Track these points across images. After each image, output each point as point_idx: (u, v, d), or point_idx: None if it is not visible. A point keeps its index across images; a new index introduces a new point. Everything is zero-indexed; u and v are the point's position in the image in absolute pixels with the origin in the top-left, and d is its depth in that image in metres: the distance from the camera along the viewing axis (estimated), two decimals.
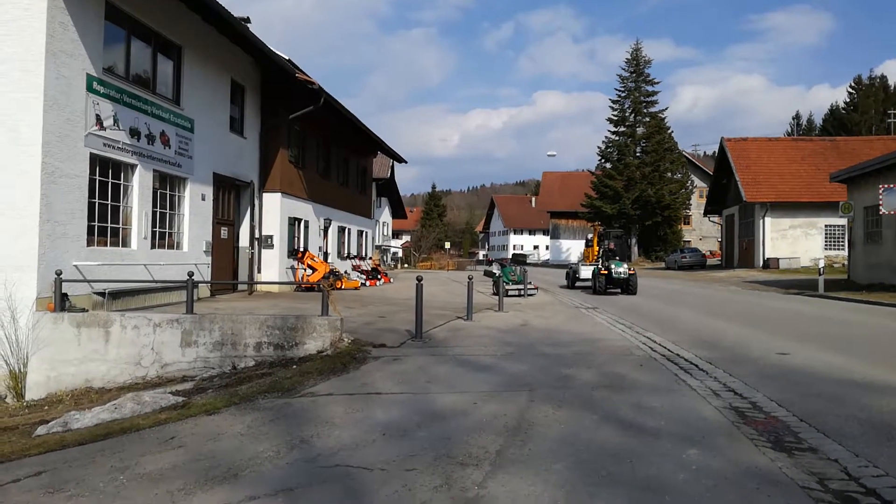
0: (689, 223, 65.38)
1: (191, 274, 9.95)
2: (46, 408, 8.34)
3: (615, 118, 57.48)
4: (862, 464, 4.04)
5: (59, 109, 10.40)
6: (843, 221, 27.21)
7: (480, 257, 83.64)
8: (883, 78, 70.14)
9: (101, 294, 11.36)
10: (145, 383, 8.77)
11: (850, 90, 70.81)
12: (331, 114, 20.61)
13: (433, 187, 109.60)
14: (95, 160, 11.42)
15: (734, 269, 38.89)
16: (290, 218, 19.58)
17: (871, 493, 3.58)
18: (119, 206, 12.30)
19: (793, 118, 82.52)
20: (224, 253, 16.88)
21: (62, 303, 9.67)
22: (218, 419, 5.61)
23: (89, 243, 11.26)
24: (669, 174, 55.25)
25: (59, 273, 9.63)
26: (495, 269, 22.82)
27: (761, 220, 36.75)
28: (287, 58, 17.67)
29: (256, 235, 18.25)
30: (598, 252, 22.93)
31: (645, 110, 56.91)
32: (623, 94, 57.43)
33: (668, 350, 8.67)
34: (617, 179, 55.06)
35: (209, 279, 15.47)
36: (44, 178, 10.06)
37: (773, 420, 5.10)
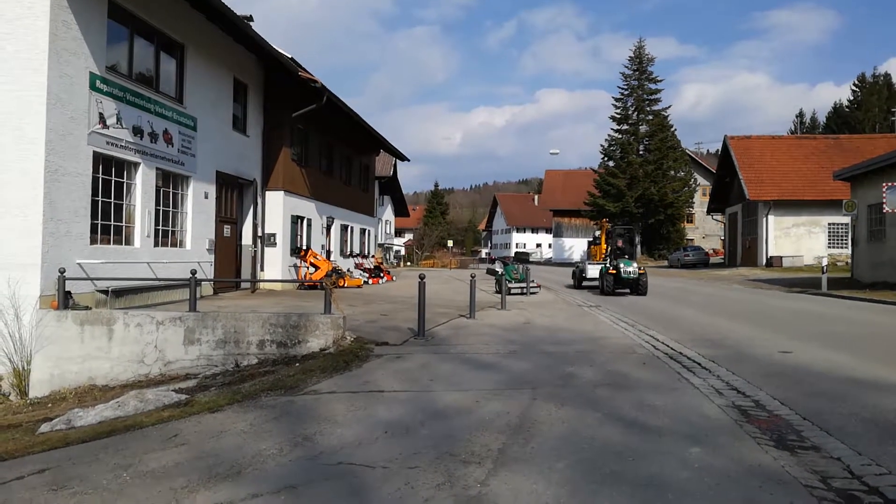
0: (692, 221, 65.27)
1: (194, 272, 9.96)
2: (50, 405, 8.36)
3: (618, 116, 57.44)
4: (865, 462, 4.03)
5: (63, 108, 10.42)
6: (847, 220, 27.19)
7: (483, 255, 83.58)
8: (887, 76, 69.96)
9: (105, 292, 11.38)
10: (148, 381, 8.78)
11: (854, 88, 70.67)
12: (334, 112, 20.61)
13: (436, 185, 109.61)
14: (98, 158, 11.44)
15: (737, 267, 38.82)
16: (292, 216, 19.60)
17: (873, 491, 3.58)
18: (122, 205, 12.32)
19: (796, 116, 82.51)
20: (227, 251, 16.91)
21: (66, 301, 9.69)
22: (221, 417, 5.62)
23: (93, 241, 11.28)
24: (672, 172, 55.19)
25: (62, 271, 9.65)
26: (498, 268, 22.68)
27: (764, 219, 36.68)
28: (290, 56, 17.69)
29: (259, 233, 18.27)
30: (606, 250, 21.84)
31: (648, 108, 56.87)
32: (626, 92, 57.40)
33: (671, 348, 8.67)
34: (620, 177, 55.01)
35: (212, 277, 15.50)
36: (47, 177, 10.08)
37: (776, 418, 5.09)
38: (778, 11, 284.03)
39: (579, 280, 23.22)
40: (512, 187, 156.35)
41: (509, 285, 17.85)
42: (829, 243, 36.20)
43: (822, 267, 21.16)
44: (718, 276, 32.08)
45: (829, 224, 36.03)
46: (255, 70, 18.04)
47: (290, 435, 4.88)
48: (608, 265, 19.64)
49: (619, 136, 57.19)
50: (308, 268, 19.08)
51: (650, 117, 56.37)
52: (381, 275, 25.64)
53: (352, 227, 26.79)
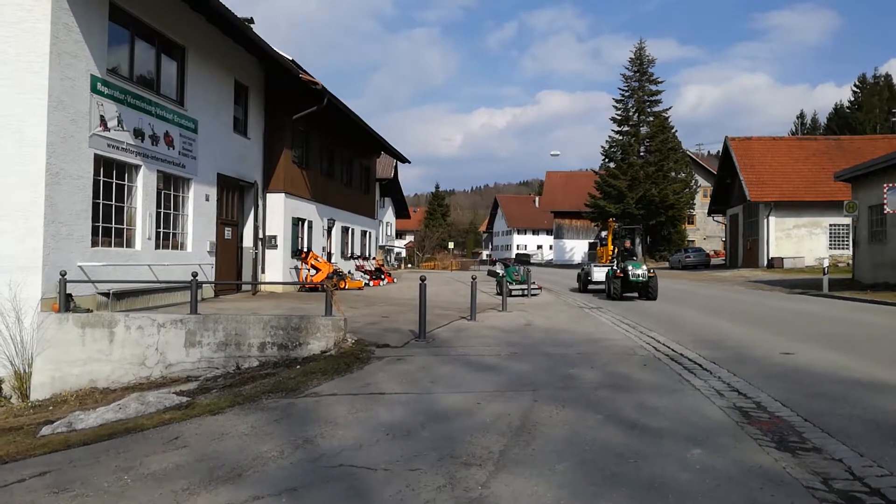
0: (692, 223, 65.26)
1: (195, 274, 9.97)
2: (51, 408, 8.37)
3: (619, 118, 57.43)
4: (866, 464, 4.03)
5: (64, 110, 10.43)
6: (848, 221, 27.17)
7: (484, 257, 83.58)
8: (888, 77, 69.91)
9: (106, 294, 11.39)
10: (149, 383, 8.78)
11: (855, 89, 70.67)
12: (334, 114, 20.64)
13: (437, 187, 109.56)
14: (100, 161, 11.46)
15: (738, 268, 38.81)
16: (293, 218, 19.61)
17: (875, 492, 3.58)
18: (123, 207, 12.34)
19: (797, 117, 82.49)
20: (228, 253, 16.92)
21: (67, 303, 9.69)
22: (222, 419, 5.62)
23: (94, 244, 11.29)
24: (673, 174, 55.14)
25: (63, 274, 9.66)
26: (499, 269, 22.60)
27: (765, 220, 36.67)
28: (291, 58, 17.70)
29: (260, 236, 18.28)
30: (613, 251, 20.41)
31: (649, 110, 56.85)
32: (627, 94, 57.36)
33: (672, 350, 8.66)
34: (621, 179, 54.99)
35: (213, 280, 15.51)
36: (48, 180, 10.10)
37: (778, 420, 5.09)
38: (778, 12, 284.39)
39: (584, 283, 22.18)
40: (513, 189, 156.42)
41: (510, 287, 17.85)
42: (831, 244, 36.19)
43: (824, 268, 21.15)
44: (719, 278, 32.06)
45: (831, 225, 36.02)
46: (256, 72, 18.06)
47: (291, 437, 4.88)
48: (615, 268, 18.38)
49: (620, 138, 57.17)
50: (309, 270, 19.09)
51: (651, 119, 56.34)
52: (382, 277, 25.65)
53: (353, 229, 26.80)
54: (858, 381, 6.53)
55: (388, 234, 52.61)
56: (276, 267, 18.55)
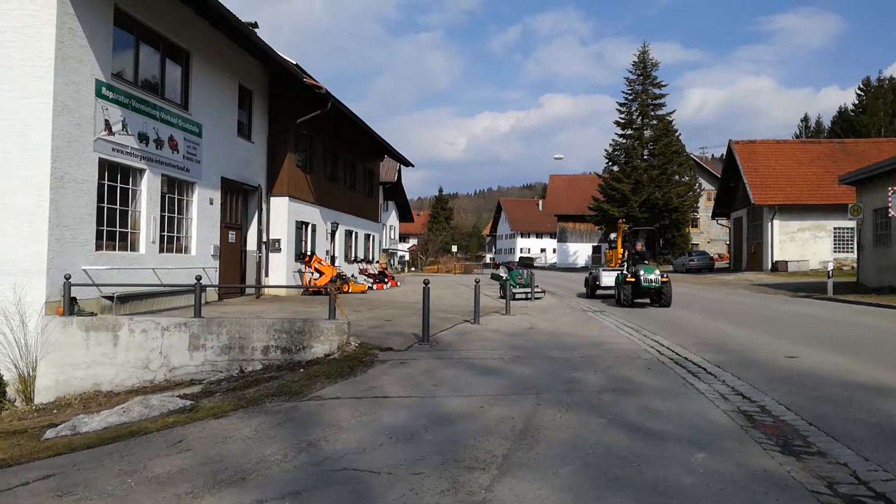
0: (696, 226, 65.18)
1: (199, 278, 9.99)
2: (55, 411, 8.39)
3: (622, 121, 57.44)
4: (871, 468, 4.01)
5: (69, 114, 10.47)
6: (853, 224, 27.08)
7: (487, 261, 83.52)
8: (892, 80, 69.67)
9: (110, 298, 11.42)
10: (153, 387, 8.80)
11: (859, 92, 70.50)
12: (338, 118, 20.68)
13: (440, 190, 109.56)
14: (104, 165, 11.49)
15: (742, 272, 38.72)
16: (297, 222, 19.64)
17: (880, 497, 3.56)
18: (127, 211, 12.37)
19: (801, 120, 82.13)
20: (232, 257, 16.94)
21: (71, 307, 9.72)
22: (225, 423, 5.63)
23: (98, 247, 11.32)
24: (677, 177, 55.12)
25: (67, 277, 9.69)
26: (502, 273, 22.50)
27: (770, 223, 36.60)
28: (295, 62, 17.75)
29: (264, 239, 18.31)
30: (623, 254, 19.26)
31: (652, 113, 56.84)
32: (630, 97, 57.39)
33: (676, 353, 8.64)
34: (624, 182, 54.99)
35: (217, 283, 15.53)
36: (53, 183, 10.13)
37: (782, 424, 5.07)
38: (783, 15, 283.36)
39: (593, 289, 20.64)
40: (516, 192, 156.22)
41: (514, 290, 17.81)
42: (835, 248, 36.09)
43: (828, 272, 21.08)
44: (724, 281, 32.00)
45: (835, 228, 35.92)
46: (260, 76, 18.11)
47: (295, 441, 4.88)
48: (626, 272, 17.07)
49: (624, 141, 57.17)
50: (312, 273, 19.11)
51: (654, 122, 56.33)
52: (386, 280, 25.66)
53: (356, 233, 26.83)
54: (863, 385, 6.51)
55: (392, 237, 52.68)
56: (280, 270, 18.57)
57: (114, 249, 11.87)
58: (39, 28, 10.19)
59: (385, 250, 42.64)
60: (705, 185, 63.50)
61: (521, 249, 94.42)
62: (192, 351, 9.12)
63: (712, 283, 31.08)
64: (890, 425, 4.99)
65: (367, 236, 28.94)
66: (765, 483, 3.76)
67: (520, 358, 8.44)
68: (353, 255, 26.25)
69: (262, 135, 18.42)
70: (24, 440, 6.46)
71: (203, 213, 15.01)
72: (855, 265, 26.66)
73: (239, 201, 17.53)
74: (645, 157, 56.16)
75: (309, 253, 19.99)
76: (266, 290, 17.94)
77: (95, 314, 10.22)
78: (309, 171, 20.78)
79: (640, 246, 17.84)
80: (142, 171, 12.64)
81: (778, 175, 37.75)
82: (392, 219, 52.78)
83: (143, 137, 12.52)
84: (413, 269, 59.79)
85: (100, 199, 11.39)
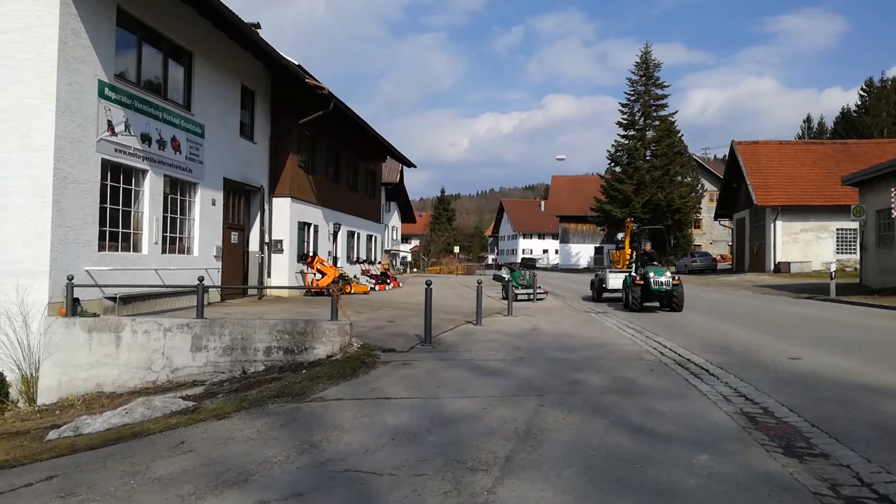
0: (699, 227, 65.08)
1: (201, 279, 9.99)
2: (58, 412, 8.39)
3: (625, 122, 57.39)
4: (874, 469, 4.00)
5: (72, 115, 10.48)
6: (855, 225, 26.98)
7: (490, 261, 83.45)
8: (895, 81, 69.57)
9: (113, 299, 11.43)
10: (156, 388, 8.80)
11: (862, 93, 70.28)
12: (340, 119, 20.69)
13: (442, 191, 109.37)
14: (107, 165, 11.50)
15: (745, 273, 38.67)
16: (299, 222, 19.64)
17: (883, 499, 3.55)
18: (130, 212, 12.38)
19: (804, 121, 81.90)
20: (234, 258, 16.95)
21: (74, 308, 9.73)
22: (228, 424, 5.63)
23: (101, 248, 11.33)
24: (679, 178, 55.06)
25: (70, 278, 9.69)
26: (504, 274, 22.46)
27: (772, 224, 36.55)
28: (297, 63, 17.76)
29: (266, 240, 18.32)
30: (631, 255, 18.56)
31: (655, 114, 56.77)
32: (633, 98, 57.33)
33: (679, 355, 8.63)
34: (627, 183, 54.93)
35: (219, 284, 15.54)
36: (56, 184, 10.14)
37: (785, 425, 5.06)
38: (786, 16, 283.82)
39: (599, 291, 19.57)
40: (518, 193, 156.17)
41: (516, 291, 17.80)
42: (838, 249, 36.04)
43: (831, 272, 21.05)
44: (726, 282, 31.95)
45: (838, 229, 35.87)
46: (263, 77, 18.12)
47: (297, 442, 4.88)
48: (634, 274, 16.25)
49: (626, 142, 57.12)
50: (315, 274, 19.11)
51: (657, 123, 56.26)
52: (388, 281, 25.66)
53: (358, 234, 26.83)
54: (866, 386, 6.49)
55: (394, 238, 52.69)
56: (282, 271, 18.58)
57: (116, 250, 11.88)
58: (42, 28, 10.20)
59: (387, 251, 42.64)
60: (708, 186, 63.42)
61: (524, 250, 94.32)
62: (195, 352, 9.12)
63: (715, 284, 31.04)
64: (893, 427, 4.98)
65: (370, 237, 28.94)
66: (768, 485, 3.75)
67: (522, 359, 8.44)
68: (355, 255, 26.25)
69: (264, 135, 18.43)
70: (27, 441, 6.47)
71: (205, 213, 15.02)
72: (858, 266, 26.59)
73: (241, 202, 17.54)
74: (647, 157, 56.11)
75: (311, 254, 19.99)
76: (268, 291, 17.95)
77: (98, 315, 10.23)
78: (311, 171, 20.79)
79: (648, 246, 16.90)
80: (144, 172, 12.65)
81: (781, 176, 37.70)
82: (394, 220, 52.78)
83: (145, 138, 12.53)
84: (415, 269, 59.80)
85: (102, 199, 11.39)
